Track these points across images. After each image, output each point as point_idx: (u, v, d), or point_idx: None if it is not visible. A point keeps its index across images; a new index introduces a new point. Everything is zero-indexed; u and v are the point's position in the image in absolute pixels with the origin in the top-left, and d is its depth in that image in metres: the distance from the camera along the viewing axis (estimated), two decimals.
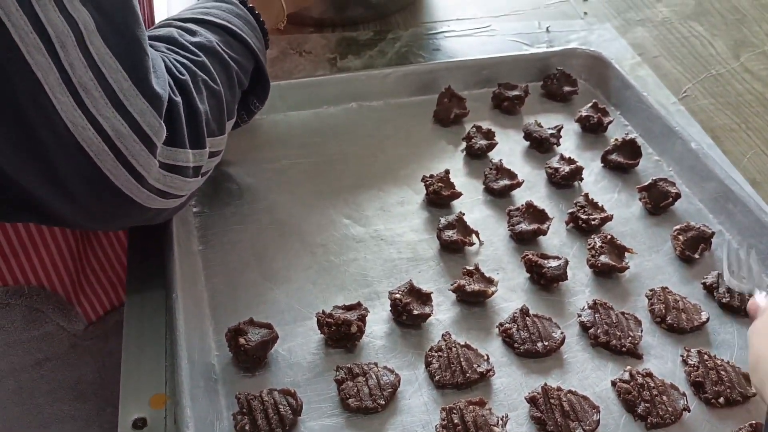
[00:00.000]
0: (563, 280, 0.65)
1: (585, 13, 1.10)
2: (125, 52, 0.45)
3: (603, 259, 0.66)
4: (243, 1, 0.64)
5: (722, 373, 0.58)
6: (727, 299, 0.65)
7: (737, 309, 0.64)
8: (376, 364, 0.56)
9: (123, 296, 0.70)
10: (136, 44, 0.46)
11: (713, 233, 0.70)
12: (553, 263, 0.65)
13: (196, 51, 0.55)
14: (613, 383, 0.58)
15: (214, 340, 0.58)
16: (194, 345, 0.55)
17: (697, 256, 0.69)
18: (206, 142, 0.54)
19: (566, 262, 0.65)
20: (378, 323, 0.61)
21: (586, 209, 0.72)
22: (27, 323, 0.65)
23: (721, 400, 0.57)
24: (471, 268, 0.64)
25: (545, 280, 0.65)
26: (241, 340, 0.55)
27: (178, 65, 0.52)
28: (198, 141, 0.52)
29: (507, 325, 0.61)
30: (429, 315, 0.61)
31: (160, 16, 0.92)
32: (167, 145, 0.49)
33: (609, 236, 0.68)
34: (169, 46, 0.55)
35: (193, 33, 0.57)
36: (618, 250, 0.68)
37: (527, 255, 0.66)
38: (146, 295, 0.61)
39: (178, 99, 0.50)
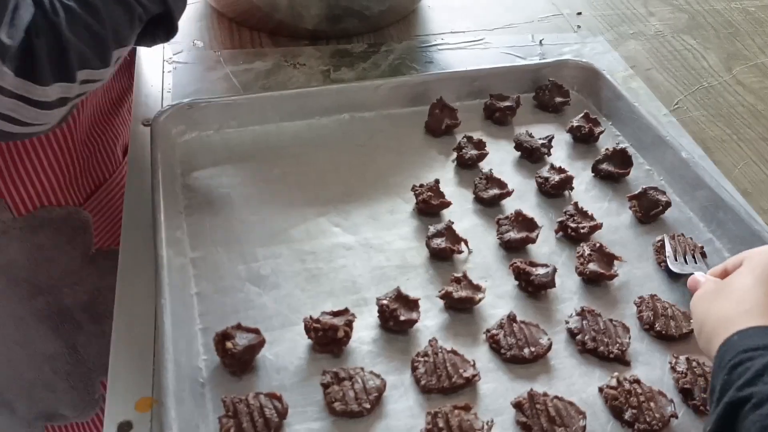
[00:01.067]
0: (551, 287, 0.65)
1: (578, 27, 1.11)
2: None
3: (592, 266, 0.67)
4: None
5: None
6: None
7: None
8: (362, 369, 0.56)
9: (56, 197, 0.75)
10: None
11: (702, 247, 0.70)
12: (541, 270, 0.65)
13: None
14: (600, 389, 0.58)
15: (202, 344, 0.58)
16: (181, 349, 0.55)
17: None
18: (76, 76, 0.57)
19: (554, 270, 0.65)
20: (365, 329, 0.61)
21: (575, 218, 0.72)
22: None
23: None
24: (459, 275, 0.64)
25: (533, 287, 0.65)
26: (229, 344, 0.55)
27: (58, 6, 0.56)
28: (66, 75, 0.57)
29: (494, 331, 0.61)
30: (416, 321, 0.61)
31: None
32: (23, 78, 0.54)
33: (598, 244, 0.69)
34: None
35: None
36: (607, 258, 0.68)
37: (515, 263, 0.66)
38: (136, 300, 0.62)
39: (40, 39, 0.54)
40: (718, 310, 0.49)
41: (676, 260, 0.68)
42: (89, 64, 0.59)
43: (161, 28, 0.67)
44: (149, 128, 0.76)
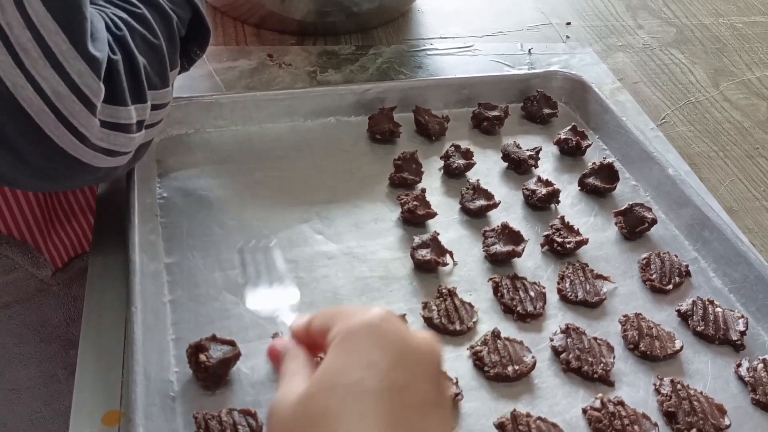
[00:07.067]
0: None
1: (567, 37, 1.10)
2: (64, 16, 0.46)
3: (580, 294, 0.66)
4: None
5: (695, 403, 0.57)
6: (702, 328, 0.64)
7: (712, 338, 0.64)
8: None
9: (87, 244, 0.75)
10: (75, 8, 0.47)
11: (687, 266, 0.70)
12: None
13: (137, 3, 0.56)
14: (584, 410, 0.57)
15: (174, 355, 0.56)
16: (152, 360, 0.53)
17: (669, 287, 0.68)
18: (147, 96, 0.54)
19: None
20: None
21: (561, 232, 0.71)
22: None
23: (694, 431, 0.56)
24: (445, 290, 0.63)
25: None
26: (202, 357, 0.53)
27: (117, 20, 0.53)
28: (139, 95, 0.53)
29: (478, 347, 0.59)
30: None
31: None
32: (108, 104, 0.50)
33: (583, 266, 0.68)
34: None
35: None
36: (591, 283, 0.67)
37: (494, 277, 0.65)
38: (105, 307, 0.59)
39: (117, 57, 0.50)
40: None
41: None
42: (153, 84, 0.55)
43: (194, 43, 0.63)
44: None
